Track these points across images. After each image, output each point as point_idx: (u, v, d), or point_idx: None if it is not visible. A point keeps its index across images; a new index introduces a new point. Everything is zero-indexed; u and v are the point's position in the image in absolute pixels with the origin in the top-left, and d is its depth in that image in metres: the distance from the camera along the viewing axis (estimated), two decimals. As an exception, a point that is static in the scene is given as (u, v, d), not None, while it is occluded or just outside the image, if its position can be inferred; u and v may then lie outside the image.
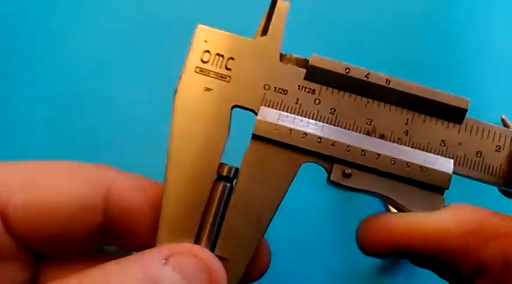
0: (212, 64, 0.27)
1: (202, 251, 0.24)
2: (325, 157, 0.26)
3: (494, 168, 0.26)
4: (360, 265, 0.42)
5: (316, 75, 0.27)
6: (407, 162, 0.26)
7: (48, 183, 0.25)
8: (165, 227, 0.25)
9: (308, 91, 0.27)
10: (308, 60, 0.27)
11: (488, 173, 0.26)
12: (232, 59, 0.27)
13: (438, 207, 0.25)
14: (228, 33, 0.27)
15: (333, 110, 0.27)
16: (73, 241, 0.26)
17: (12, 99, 0.46)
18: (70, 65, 0.47)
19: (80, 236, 0.26)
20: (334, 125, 0.26)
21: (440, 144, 0.26)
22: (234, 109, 0.27)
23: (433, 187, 0.26)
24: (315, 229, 0.43)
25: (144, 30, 0.48)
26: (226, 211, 0.25)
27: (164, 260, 0.22)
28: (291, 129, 0.26)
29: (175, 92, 0.26)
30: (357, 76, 0.27)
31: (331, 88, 0.27)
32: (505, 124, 0.47)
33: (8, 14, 0.49)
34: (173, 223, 0.25)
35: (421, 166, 0.26)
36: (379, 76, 0.27)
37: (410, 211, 0.26)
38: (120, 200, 0.26)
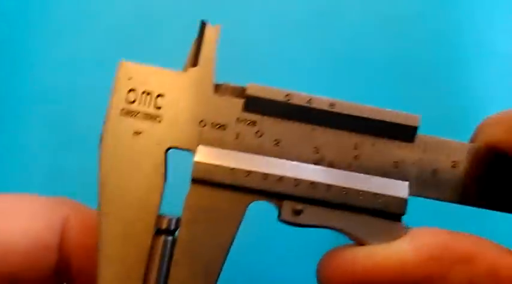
0: (139, 104, 0.24)
1: None
2: (273, 194, 0.24)
3: (452, 185, 0.25)
4: None
5: (255, 105, 0.25)
6: (359, 191, 0.24)
7: (1, 219, 0.24)
8: (105, 279, 0.23)
9: (248, 124, 0.25)
10: (245, 89, 0.25)
11: (445, 191, 0.25)
12: (162, 95, 0.24)
13: (397, 234, 0.24)
14: (154, 67, 0.25)
15: (276, 142, 0.25)
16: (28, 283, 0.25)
17: (12, 98, 0.44)
18: (70, 64, 0.45)
19: (36, 277, 0.24)
20: (279, 158, 0.24)
21: (393, 166, 0.25)
22: (170, 150, 0.24)
23: (389, 215, 0.24)
24: (314, 229, 0.41)
25: (144, 28, 0.47)
26: (170, 267, 0.23)
27: None
28: (232, 168, 0.24)
29: (100, 139, 0.24)
30: (299, 103, 0.25)
31: (273, 118, 0.25)
32: None
33: (7, 13, 0.47)
34: (114, 277, 0.23)
35: (375, 194, 0.24)
36: (322, 100, 0.25)
37: (368, 243, 0.24)
38: (74, 238, 0.25)
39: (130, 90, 0.24)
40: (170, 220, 0.23)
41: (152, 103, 0.24)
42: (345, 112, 0.25)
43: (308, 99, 0.25)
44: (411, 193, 0.25)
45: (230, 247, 0.24)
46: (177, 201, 0.24)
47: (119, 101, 0.24)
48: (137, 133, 0.24)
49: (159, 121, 0.24)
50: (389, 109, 0.25)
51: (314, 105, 0.25)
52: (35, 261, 0.24)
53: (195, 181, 0.24)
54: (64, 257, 0.25)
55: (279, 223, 0.25)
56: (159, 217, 0.24)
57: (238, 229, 0.24)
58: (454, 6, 0.51)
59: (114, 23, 0.47)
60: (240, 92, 0.25)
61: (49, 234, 0.24)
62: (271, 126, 0.25)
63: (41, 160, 0.43)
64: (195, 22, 0.25)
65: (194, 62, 0.25)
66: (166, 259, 0.23)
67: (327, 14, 0.48)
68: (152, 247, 0.23)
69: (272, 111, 0.25)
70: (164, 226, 0.23)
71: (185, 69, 0.25)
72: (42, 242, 0.24)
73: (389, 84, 0.46)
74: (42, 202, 0.25)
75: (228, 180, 0.24)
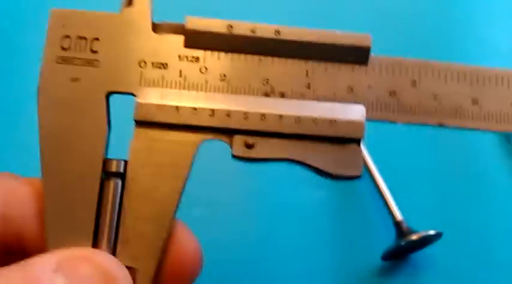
0: (75, 50, 0.23)
1: (99, 255, 0.21)
2: (222, 130, 0.23)
3: (412, 105, 0.24)
4: (360, 266, 0.40)
5: (196, 40, 0.23)
6: (313, 118, 0.23)
7: None
8: (53, 233, 0.22)
9: (191, 60, 0.23)
10: (184, 25, 0.23)
11: (405, 112, 0.24)
12: (98, 39, 0.23)
13: (355, 161, 0.23)
14: (87, 11, 0.23)
15: (223, 76, 0.23)
16: None
17: (12, 99, 0.43)
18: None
19: None
20: (226, 93, 0.23)
21: (348, 91, 0.24)
22: (113, 96, 0.23)
23: (347, 140, 0.23)
24: (313, 229, 0.41)
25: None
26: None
27: (55, 268, 0.19)
28: (177, 107, 0.23)
29: (37, 90, 0.23)
30: (242, 33, 0.23)
31: (217, 52, 0.23)
32: None
33: (6, 13, 0.46)
34: (62, 230, 0.22)
35: (330, 120, 0.23)
36: (267, 28, 0.23)
37: (328, 172, 0.23)
38: (22, 208, 0.23)
39: (64, 37, 0.23)
40: (119, 163, 0.22)
41: (88, 48, 0.23)
42: (292, 38, 0.23)
43: (252, 28, 0.23)
44: (369, 117, 0.23)
45: (182, 189, 0.23)
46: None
47: (53, 49, 0.23)
48: (75, 79, 0.23)
49: (97, 66, 0.23)
50: (339, 31, 0.24)
51: (259, 33, 0.23)
52: None
53: (139, 123, 0.23)
54: (11, 230, 0.23)
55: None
56: (107, 161, 0.23)
57: (189, 170, 0.23)
58: (454, 4, 0.50)
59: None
60: (180, 29, 0.24)
61: None
62: (216, 60, 0.23)
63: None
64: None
65: (129, 2, 0.24)
66: (117, 203, 0.22)
67: (326, 13, 0.47)
68: (102, 192, 0.22)
69: (215, 45, 0.23)
70: (113, 169, 0.22)
71: (121, 11, 0.24)
72: None
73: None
74: None
75: (173, 119, 0.23)
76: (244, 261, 0.40)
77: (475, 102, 0.24)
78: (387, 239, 0.39)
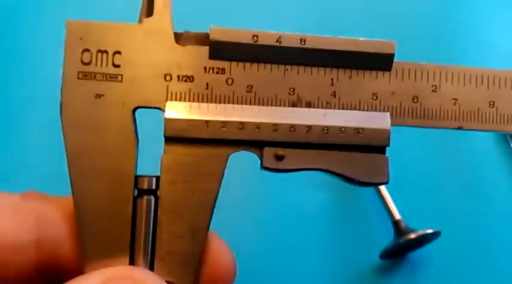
0: (96, 64, 0.22)
1: (140, 272, 0.21)
2: (252, 143, 0.23)
3: (434, 110, 0.24)
4: (359, 266, 0.41)
5: (222, 51, 0.23)
6: (340, 128, 0.23)
7: None
8: (90, 253, 0.22)
9: (217, 72, 0.23)
10: (209, 35, 0.23)
11: (428, 117, 0.24)
12: (119, 52, 0.22)
13: (382, 169, 0.23)
14: (106, 22, 0.22)
15: (249, 87, 0.23)
16: None
17: (12, 98, 0.43)
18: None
19: (13, 275, 0.22)
20: (254, 104, 0.23)
21: (373, 98, 0.24)
22: (138, 110, 0.23)
23: (373, 148, 0.24)
24: (313, 228, 0.42)
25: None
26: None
27: None
28: (206, 121, 0.22)
29: (60, 108, 0.22)
30: (268, 43, 0.23)
31: (243, 63, 0.23)
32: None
33: (7, 13, 0.45)
34: (98, 250, 0.22)
35: (356, 128, 0.23)
36: (292, 37, 0.23)
37: (355, 179, 0.24)
38: (55, 232, 0.22)
39: (84, 51, 0.22)
40: (151, 180, 0.22)
41: (110, 62, 0.22)
42: (317, 47, 0.23)
43: (277, 37, 0.23)
44: (394, 123, 0.24)
45: (214, 203, 0.23)
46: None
47: (73, 64, 0.22)
48: (99, 96, 0.22)
49: (120, 81, 0.22)
50: (363, 39, 0.24)
51: (284, 43, 0.23)
52: (11, 262, 0.22)
53: (169, 139, 0.22)
54: (46, 254, 0.23)
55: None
56: (139, 178, 0.22)
57: (220, 183, 0.23)
58: (455, 5, 0.50)
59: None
60: (203, 39, 0.23)
61: (22, 232, 0.22)
62: (242, 71, 0.23)
63: (42, 160, 0.41)
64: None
65: (148, 11, 0.23)
66: (151, 219, 0.22)
67: (325, 15, 0.47)
68: (135, 210, 0.22)
69: (240, 55, 0.23)
70: (145, 186, 0.22)
71: (140, 21, 0.23)
72: (12, 241, 0.22)
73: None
74: (12, 200, 0.23)
75: (203, 134, 0.22)
76: (245, 260, 0.39)
77: (491, 104, 0.25)
78: (386, 238, 0.40)
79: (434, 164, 0.44)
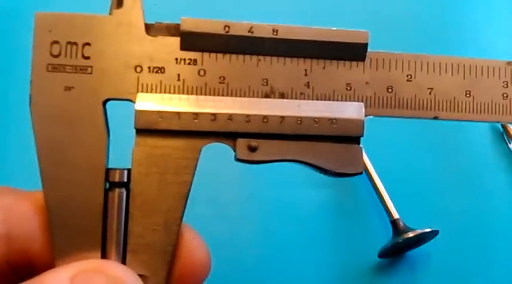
0: (65, 56, 0.22)
1: (111, 266, 0.21)
2: (225, 134, 0.23)
3: (409, 99, 0.24)
4: (358, 265, 0.41)
5: (193, 42, 0.23)
6: (314, 118, 0.23)
7: None
8: (61, 247, 0.22)
9: (189, 63, 0.23)
10: (180, 26, 0.23)
11: (403, 107, 0.24)
12: (89, 44, 0.22)
13: (357, 159, 0.23)
14: (74, 14, 0.22)
15: (222, 78, 0.23)
16: None
17: (12, 100, 0.41)
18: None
19: None
20: (227, 96, 0.23)
21: (347, 88, 0.24)
22: (109, 102, 0.23)
23: (347, 138, 0.23)
24: (311, 227, 0.41)
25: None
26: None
27: (69, 282, 0.19)
28: (178, 113, 0.22)
29: (29, 101, 0.22)
30: (240, 33, 0.23)
31: (215, 54, 0.23)
32: (507, 131, 0.45)
33: (8, 14, 0.44)
34: (70, 243, 0.22)
35: (330, 119, 0.23)
36: (264, 28, 0.23)
37: (329, 170, 0.23)
38: (25, 225, 0.22)
39: (53, 43, 0.22)
40: (122, 172, 0.22)
41: (79, 53, 0.22)
42: (290, 37, 0.23)
43: (249, 27, 0.23)
44: (368, 113, 0.24)
45: (187, 195, 0.22)
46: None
47: (42, 56, 0.22)
48: (68, 88, 0.22)
49: (90, 73, 0.22)
50: (336, 29, 0.23)
51: (256, 33, 0.23)
52: None
53: (140, 131, 0.22)
54: (17, 248, 0.22)
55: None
56: (110, 171, 0.22)
57: (193, 175, 0.23)
58: (454, 5, 0.50)
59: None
60: (175, 30, 0.23)
61: None
62: (214, 62, 0.23)
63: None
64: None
65: (119, 3, 0.22)
66: (123, 212, 0.22)
67: (323, 15, 0.46)
68: (107, 203, 0.22)
69: (212, 46, 0.23)
70: (117, 179, 0.22)
71: (111, 12, 0.23)
72: None
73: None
74: None
75: (175, 126, 0.22)
76: (244, 260, 0.40)
77: (468, 94, 0.25)
78: (384, 237, 0.40)
79: (433, 163, 0.44)
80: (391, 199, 0.41)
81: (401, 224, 0.39)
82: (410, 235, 0.38)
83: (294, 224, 0.41)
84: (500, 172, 0.45)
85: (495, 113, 0.25)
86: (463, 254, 0.42)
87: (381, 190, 0.41)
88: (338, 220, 0.42)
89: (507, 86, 0.25)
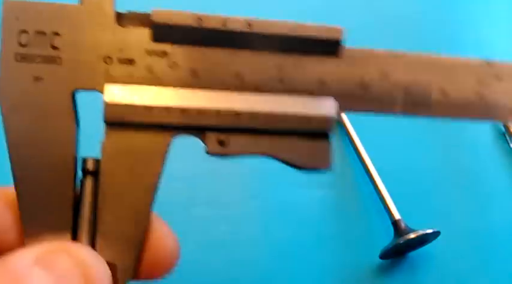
0: (34, 46, 0.22)
1: (77, 248, 0.21)
2: (195, 128, 0.23)
3: (382, 96, 0.24)
4: (359, 266, 0.41)
5: (164, 33, 0.22)
6: (285, 114, 0.23)
7: None
8: (31, 235, 0.22)
9: (160, 55, 0.22)
10: (150, 16, 0.22)
11: (375, 104, 0.24)
12: (58, 34, 0.22)
13: (325, 155, 0.23)
14: (43, 2, 0.22)
15: (193, 72, 0.23)
16: None
17: None
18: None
19: None
20: (198, 89, 0.23)
21: (319, 84, 0.24)
22: (81, 93, 0.22)
23: (318, 134, 0.23)
24: (312, 228, 0.42)
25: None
26: None
27: (33, 261, 0.20)
28: (147, 106, 0.22)
29: None
30: (213, 26, 0.22)
31: (187, 46, 0.23)
32: (510, 131, 0.44)
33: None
34: (40, 231, 0.22)
35: (301, 115, 0.23)
36: (238, 21, 0.23)
37: (298, 165, 0.24)
38: None
39: (21, 32, 0.22)
40: (95, 161, 0.22)
41: (48, 43, 0.22)
42: (264, 31, 0.23)
43: (223, 20, 0.22)
44: (340, 109, 0.24)
45: (157, 186, 0.23)
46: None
47: (10, 46, 0.21)
48: (37, 79, 0.22)
49: (59, 63, 0.22)
50: (311, 24, 0.23)
51: (230, 26, 0.23)
52: None
53: (109, 124, 0.22)
54: None
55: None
56: (84, 160, 0.22)
57: (163, 167, 0.23)
58: (454, 6, 0.49)
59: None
60: (146, 21, 0.22)
61: None
62: (185, 55, 0.23)
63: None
64: None
65: (89, -9, 0.22)
66: (94, 201, 0.22)
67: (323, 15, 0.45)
68: (82, 188, 0.22)
69: (184, 38, 0.22)
70: (90, 167, 0.22)
71: (81, 1, 0.22)
72: None
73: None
74: None
75: (144, 119, 0.22)
76: (243, 260, 0.40)
77: (442, 91, 0.25)
78: (385, 238, 0.40)
79: (434, 164, 0.44)
80: (393, 200, 0.41)
81: (403, 225, 0.39)
82: (412, 236, 0.38)
83: (295, 225, 0.41)
84: (502, 173, 0.45)
85: (470, 111, 0.25)
86: (465, 255, 0.42)
87: (382, 190, 0.41)
88: (339, 220, 0.42)
89: (483, 85, 0.25)
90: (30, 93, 0.22)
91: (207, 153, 0.23)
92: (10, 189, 0.22)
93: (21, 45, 0.22)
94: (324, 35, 0.23)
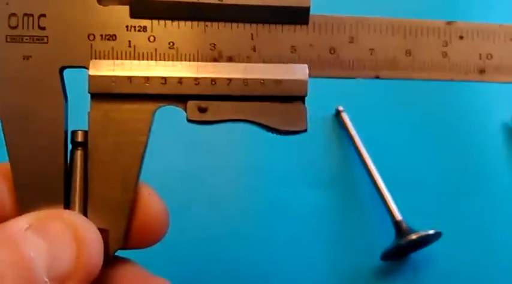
0: (23, 28, 0.23)
1: (69, 214, 0.23)
2: (176, 97, 0.24)
3: (351, 60, 0.26)
4: (360, 267, 0.41)
5: (142, 9, 0.24)
6: (260, 80, 0.24)
7: None
8: (25, 204, 0.23)
9: (139, 30, 0.24)
10: None
11: (345, 68, 0.26)
12: (44, 15, 0.24)
13: (301, 117, 0.25)
14: None
15: (171, 44, 0.24)
16: None
17: None
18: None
19: None
20: (176, 60, 0.24)
21: (291, 51, 0.25)
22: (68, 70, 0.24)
23: (292, 98, 0.25)
24: (313, 229, 0.42)
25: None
26: None
27: (27, 226, 0.21)
28: (130, 77, 0.24)
29: None
30: (187, 0, 0.24)
31: (163, 21, 0.24)
32: None
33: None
34: (34, 201, 0.23)
35: (275, 80, 0.24)
36: None
37: (277, 128, 0.25)
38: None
39: (10, 15, 0.23)
40: (86, 133, 0.24)
41: (36, 24, 0.23)
42: (236, 2, 0.24)
43: None
44: (312, 74, 0.25)
45: (143, 155, 0.24)
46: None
47: (1, 29, 0.23)
48: (26, 57, 0.23)
49: (46, 42, 0.23)
50: (279, -7, 0.25)
51: (203, 0, 0.24)
52: None
53: (94, 96, 0.24)
54: None
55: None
56: (74, 132, 0.24)
57: (148, 136, 0.24)
58: (453, 7, 0.50)
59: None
60: None
61: None
62: (163, 29, 0.24)
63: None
64: None
65: (71, -26, 0.24)
66: (85, 170, 0.24)
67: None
68: (73, 159, 0.24)
69: (161, 13, 0.24)
70: (79, 139, 0.24)
71: (64, -16, 0.24)
72: None
73: (389, 86, 0.42)
74: None
75: (127, 89, 0.24)
76: (243, 260, 0.41)
77: (408, 53, 0.26)
78: (387, 239, 0.40)
79: (435, 164, 0.45)
80: (394, 201, 0.41)
81: (404, 225, 0.40)
82: (414, 236, 0.38)
83: (296, 226, 0.42)
84: (503, 173, 0.45)
85: (435, 71, 0.26)
86: (467, 256, 0.42)
87: (383, 191, 0.41)
88: (340, 221, 0.43)
89: (446, 45, 0.26)
90: (20, 71, 0.23)
91: (188, 120, 0.25)
92: (5, 163, 0.24)
93: (11, 27, 0.23)
94: (293, 3, 0.24)
